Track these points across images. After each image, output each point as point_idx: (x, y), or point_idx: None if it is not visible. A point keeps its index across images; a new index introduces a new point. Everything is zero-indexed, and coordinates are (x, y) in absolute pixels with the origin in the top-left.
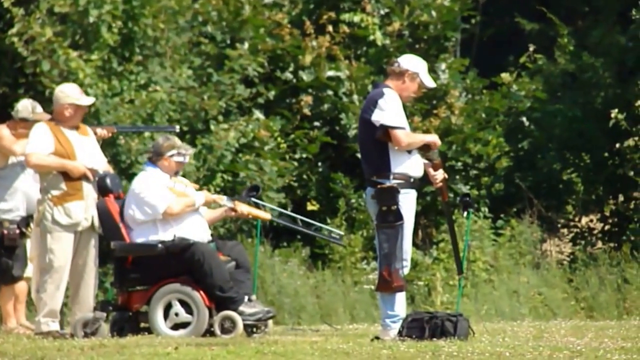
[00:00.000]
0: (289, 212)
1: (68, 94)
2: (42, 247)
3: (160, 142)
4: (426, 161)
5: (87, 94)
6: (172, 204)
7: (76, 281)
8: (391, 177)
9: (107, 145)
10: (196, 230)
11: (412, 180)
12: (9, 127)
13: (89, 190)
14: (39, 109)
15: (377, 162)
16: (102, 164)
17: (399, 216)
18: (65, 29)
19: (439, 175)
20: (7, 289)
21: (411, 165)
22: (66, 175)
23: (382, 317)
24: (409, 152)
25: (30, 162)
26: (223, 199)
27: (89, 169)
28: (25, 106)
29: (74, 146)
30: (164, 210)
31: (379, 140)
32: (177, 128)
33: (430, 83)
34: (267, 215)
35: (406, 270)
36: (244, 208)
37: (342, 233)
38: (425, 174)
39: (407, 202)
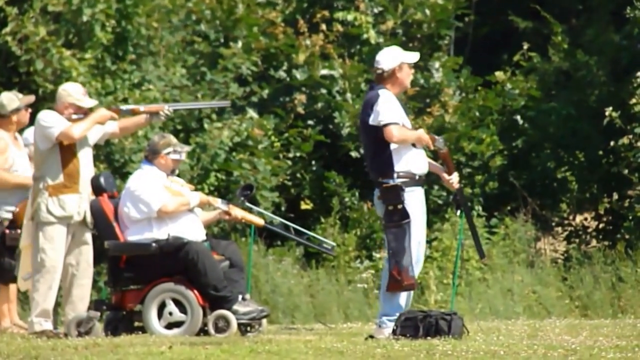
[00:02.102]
0: (282, 220)
1: (70, 93)
2: (34, 246)
3: (156, 140)
4: (433, 162)
5: None
6: (166, 202)
7: (69, 281)
8: (395, 176)
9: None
10: (191, 229)
11: (417, 177)
12: (1, 126)
13: (85, 185)
14: (19, 95)
15: (380, 163)
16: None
17: (405, 215)
18: (58, 28)
19: (455, 178)
20: (5, 288)
21: (415, 163)
22: (66, 167)
23: (380, 315)
24: (414, 146)
25: (77, 135)
26: (217, 202)
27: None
28: (10, 98)
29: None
30: (159, 209)
31: (382, 141)
32: (229, 103)
33: (414, 58)
34: (260, 221)
35: (418, 268)
36: (238, 212)
37: (333, 244)
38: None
39: (414, 200)
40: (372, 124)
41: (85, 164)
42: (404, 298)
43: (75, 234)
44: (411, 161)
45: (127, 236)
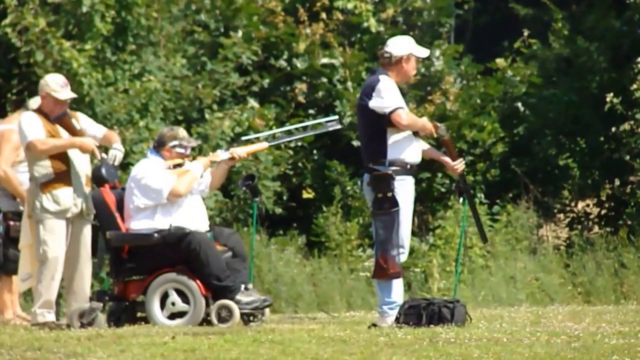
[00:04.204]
0: (280, 130)
1: (48, 83)
2: (35, 239)
3: (165, 131)
4: (435, 150)
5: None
6: (176, 185)
7: (70, 272)
8: (387, 163)
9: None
10: (194, 219)
11: (409, 166)
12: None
13: (78, 177)
14: None
15: (374, 148)
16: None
17: (394, 203)
18: (58, 19)
19: (459, 165)
20: (8, 280)
21: (408, 152)
22: (54, 162)
23: (379, 304)
24: (414, 134)
25: (38, 149)
26: (219, 155)
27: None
28: (35, 100)
29: (62, 134)
30: (170, 192)
31: (379, 127)
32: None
33: (424, 53)
34: (264, 145)
35: (403, 257)
36: (240, 152)
37: (336, 117)
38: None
39: (404, 189)
40: (373, 108)
41: (76, 155)
42: (399, 285)
43: (74, 225)
44: (405, 150)
45: (129, 226)
